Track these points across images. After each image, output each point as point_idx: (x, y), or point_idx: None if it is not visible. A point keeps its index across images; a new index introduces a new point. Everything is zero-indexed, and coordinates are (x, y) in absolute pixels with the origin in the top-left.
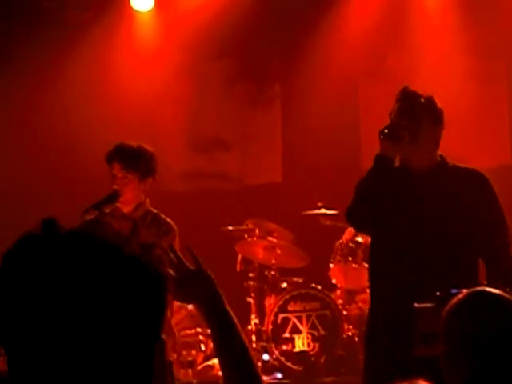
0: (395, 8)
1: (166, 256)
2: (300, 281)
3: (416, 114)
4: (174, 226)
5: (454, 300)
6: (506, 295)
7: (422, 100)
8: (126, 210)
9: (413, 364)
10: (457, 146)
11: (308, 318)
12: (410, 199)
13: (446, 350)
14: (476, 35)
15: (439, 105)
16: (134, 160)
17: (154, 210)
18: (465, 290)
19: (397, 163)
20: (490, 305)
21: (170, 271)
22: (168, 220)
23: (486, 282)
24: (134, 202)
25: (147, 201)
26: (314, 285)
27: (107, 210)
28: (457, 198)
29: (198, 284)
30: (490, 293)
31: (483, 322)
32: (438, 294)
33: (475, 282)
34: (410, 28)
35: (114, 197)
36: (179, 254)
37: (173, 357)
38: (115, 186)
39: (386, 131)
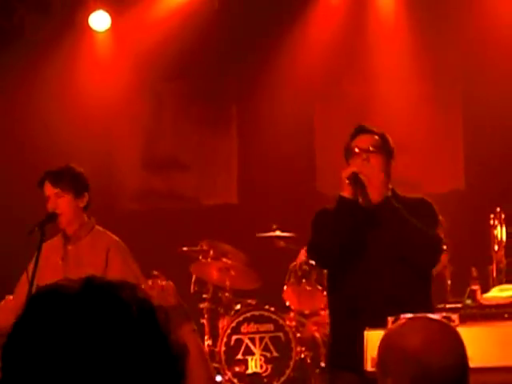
0: (351, 31)
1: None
2: (253, 302)
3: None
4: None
5: (393, 326)
6: (447, 321)
7: (377, 138)
8: (70, 231)
9: None
10: (411, 171)
11: (261, 339)
12: (368, 233)
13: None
14: (433, 60)
15: (391, 140)
16: (62, 175)
17: (101, 229)
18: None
19: None
20: (432, 330)
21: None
22: (116, 238)
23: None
24: (76, 222)
25: (92, 219)
26: (267, 307)
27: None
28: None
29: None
30: (431, 319)
31: (429, 349)
32: (389, 318)
33: (429, 306)
34: (365, 51)
35: (52, 216)
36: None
37: None
38: (49, 205)
39: (351, 177)
